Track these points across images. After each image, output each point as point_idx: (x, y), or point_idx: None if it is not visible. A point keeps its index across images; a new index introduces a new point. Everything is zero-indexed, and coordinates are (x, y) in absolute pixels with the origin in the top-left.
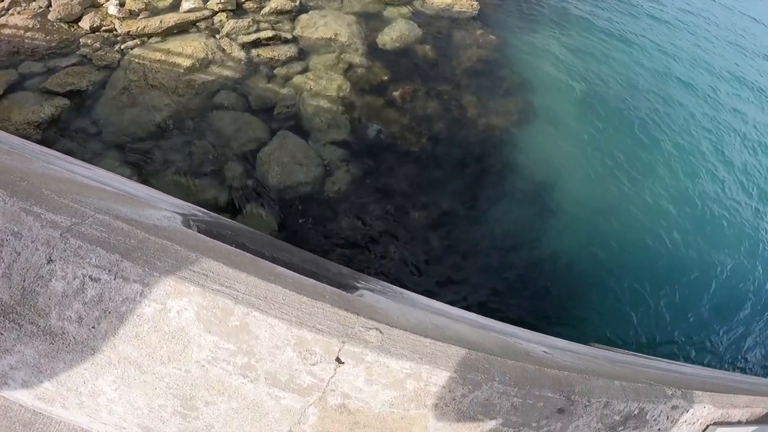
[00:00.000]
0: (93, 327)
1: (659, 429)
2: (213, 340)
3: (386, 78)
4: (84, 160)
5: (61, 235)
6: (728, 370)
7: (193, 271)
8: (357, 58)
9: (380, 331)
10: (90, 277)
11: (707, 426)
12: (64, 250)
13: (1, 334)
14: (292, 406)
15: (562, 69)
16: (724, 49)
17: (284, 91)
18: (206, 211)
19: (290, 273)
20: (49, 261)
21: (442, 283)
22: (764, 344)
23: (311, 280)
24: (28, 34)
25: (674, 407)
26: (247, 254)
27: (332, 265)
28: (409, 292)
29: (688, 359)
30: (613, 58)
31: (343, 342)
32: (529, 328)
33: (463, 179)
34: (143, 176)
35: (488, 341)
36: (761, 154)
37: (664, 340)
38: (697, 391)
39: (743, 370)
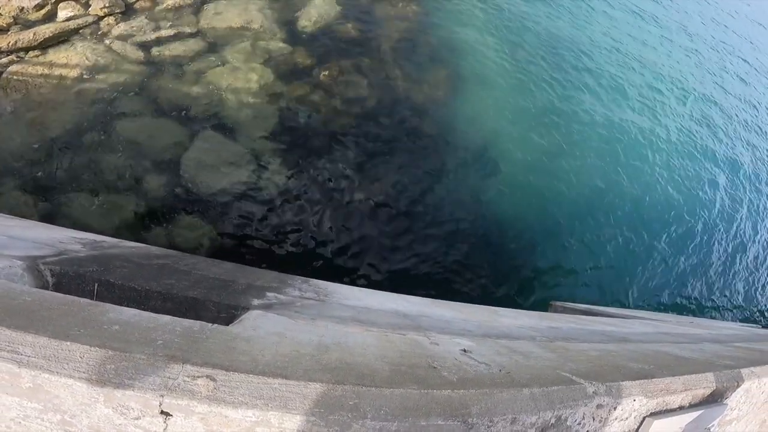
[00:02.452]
0: None
1: (588, 431)
2: (15, 400)
3: (310, 61)
4: None
5: None
6: (684, 314)
7: None
8: (276, 45)
9: (212, 379)
10: None
11: (643, 418)
12: None
13: None
14: None
15: (487, 32)
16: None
17: (198, 88)
18: (101, 239)
19: (128, 316)
20: None
21: (391, 264)
22: (719, 285)
23: (163, 320)
24: None
25: (599, 406)
26: (79, 302)
27: (247, 276)
28: (339, 287)
29: (637, 305)
30: (535, 17)
31: (162, 396)
32: (489, 295)
33: (402, 154)
34: (48, 202)
35: (386, 354)
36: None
37: (615, 287)
38: (624, 383)
39: (698, 311)
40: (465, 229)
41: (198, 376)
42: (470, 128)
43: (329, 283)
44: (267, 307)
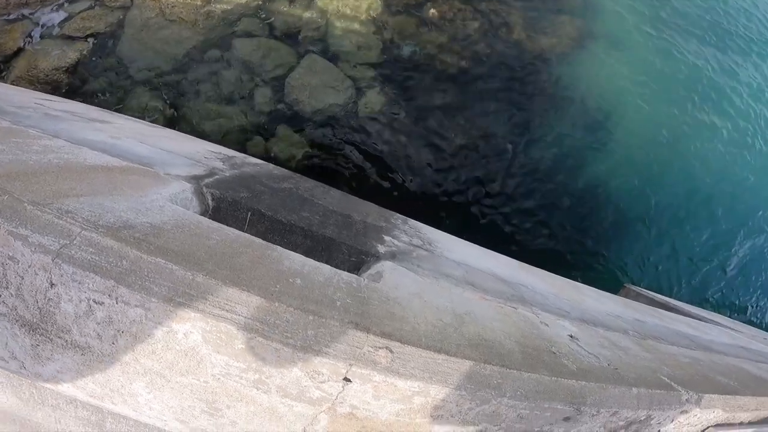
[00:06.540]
0: (113, 343)
1: (659, 431)
2: (223, 359)
3: None
4: (114, 99)
5: (53, 260)
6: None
7: (191, 295)
8: None
9: (390, 351)
10: (94, 300)
11: (707, 428)
12: (61, 276)
13: (38, 345)
14: (304, 412)
15: None
16: None
17: (309, 13)
18: (230, 153)
19: (300, 265)
20: (52, 285)
21: (477, 212)
22: None
23: (324, 271)
24: None
25: (683, 412)
26: (256, 243)
27: (357, 209)
28: (436, 233)
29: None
30: None
31: (350, 365)
32: (566, 263)
33: (506, 104)
34: (173, 108)
35: (511, 332)
36: None
37: (706, 289)
38: (713, 395)
39: None
40: (556, 192)
41: (379, 347)
42: (591, 91)
43: (426, 226)
44: (392, 257)
